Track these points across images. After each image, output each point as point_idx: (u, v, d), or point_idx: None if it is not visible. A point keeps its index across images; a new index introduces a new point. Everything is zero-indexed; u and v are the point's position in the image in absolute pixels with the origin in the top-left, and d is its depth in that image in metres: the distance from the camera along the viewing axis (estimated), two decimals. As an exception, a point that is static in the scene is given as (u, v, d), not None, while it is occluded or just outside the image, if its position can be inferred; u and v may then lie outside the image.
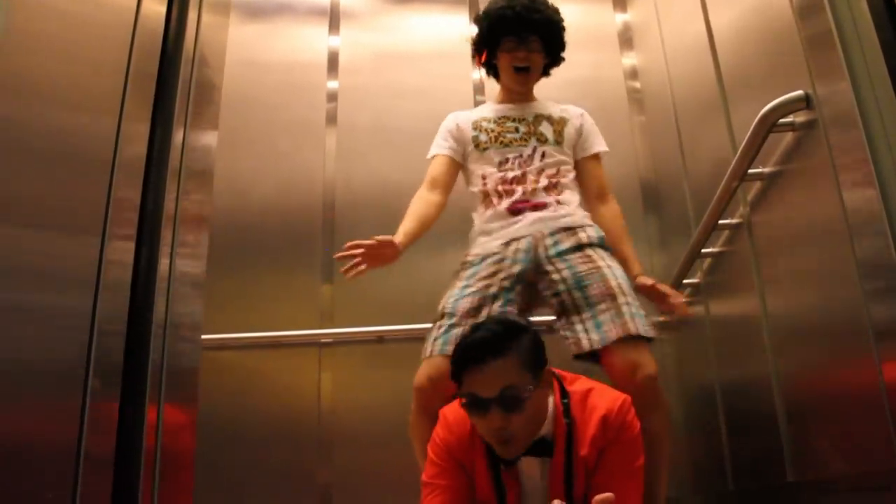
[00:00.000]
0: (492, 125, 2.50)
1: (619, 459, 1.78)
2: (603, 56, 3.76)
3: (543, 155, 2.42)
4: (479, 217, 2.44)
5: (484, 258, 2.31)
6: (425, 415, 2.11)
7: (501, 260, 2.27)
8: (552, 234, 2.30)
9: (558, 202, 2.35)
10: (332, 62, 3.77)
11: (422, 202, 2.43)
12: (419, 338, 2.34)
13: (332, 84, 3.72)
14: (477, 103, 3.46)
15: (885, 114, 1.38)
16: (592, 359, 2.15)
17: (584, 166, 2.52)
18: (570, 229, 2.31)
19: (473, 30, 2.61)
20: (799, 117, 1.69)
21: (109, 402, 1.22)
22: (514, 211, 2.35)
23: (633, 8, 3.77)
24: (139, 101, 1.44)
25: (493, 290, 2.22)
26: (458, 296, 2.23)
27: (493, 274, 2.25)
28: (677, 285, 2.69)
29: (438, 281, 2.44)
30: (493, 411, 1.66)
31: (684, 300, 2.28)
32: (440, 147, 2.55)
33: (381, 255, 2.24)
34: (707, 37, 2.39)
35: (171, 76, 1.62)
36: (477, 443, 1.83)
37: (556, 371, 1.92)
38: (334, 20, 3.86)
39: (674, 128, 2.92)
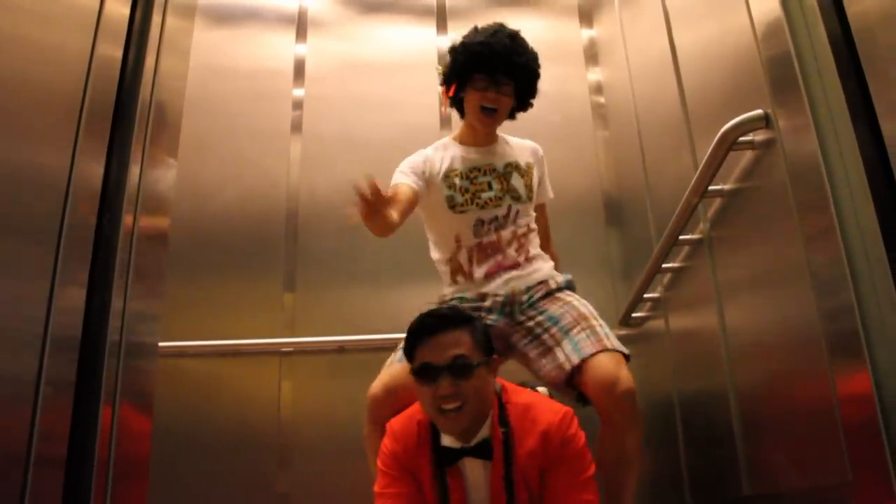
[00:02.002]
0: (465, 182, 2.40)
1: (567, 475, 1.80)
2: (568, 71, 3.80)
3: (517, 214, 2.40)
4: (448, 275, 2.42)
5: (461, 301, 2.32)
6: (377, 426, 2.10)
7: (478, 309, 2.27)
8: (527, 290, 2.32)
9: (527, 260, 2.37)
10: (299, 70, 3.76)
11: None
12: (380, 348, 2.35)
13: (298, 92, 3.71)
14: (442, 116, 3.46)
15: (840, 134, 1.41)
16: (577, 396, 2.14)
17: (538, 211, 2.57)
18: (542, 282, 2.34)
19: (440, 43, 2.56)
20: (758, 136, 1.71)
21: (62, 408, 1.20)
22: (488, 276, 2.34)
23: (598, 24, 3.81)
24: (98, 108, 1.42)
25: None
26: None
27: None
28: (638, 299, 2.72)
29: (400, 292, 2.44)
30: (443, 378, 1.75)
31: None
32: (407, 177, 2.37)
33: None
34: (671, 55, 2.42)
35: (133, 79, 1.60)
36: (423, 449, 1.85)
37: (501, 382, 1.95)
38: (301, 28, 3.85)
39: (637, 143, 2.95)
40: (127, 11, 1.59)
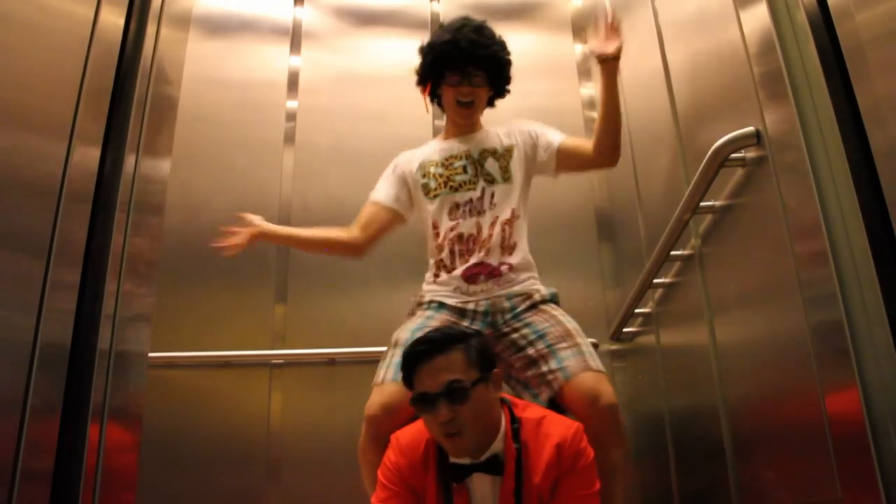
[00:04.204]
0: (439, 169, 2.46)
1: (576, 487, 1.79)
2: (561, 85, 3.80)
3: (493, 196, 2.38)
4: (432, 270, 2.41)
5: (441, 306, 2.30)
6: (376, 443, 2.05)
7: (461, 318, 2.26)
8: (509, 298, 2.29)
9: (511, 267, 2.32)
10: (293, 82, 3.76)
11: (337, 228, 2.49)
12: (370, 361, 2.33)
13: (292, 104, 3.71)
14: (435, 128, 3.47)
15: (830, 152, 1.42)
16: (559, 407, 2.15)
17: (566, 155, 2.47)
18: (526, 294, 2.31)
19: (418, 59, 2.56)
20: (749, 153, 1.72)
21: (49, 421, 1.19)
22: (470, 277, 2.31)
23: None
24: (92, 117, 1.42)
25: None
26: (416, 330, 2.19)
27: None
28: (629, 314, 2.73)
29: (391, 305, 2.43)
30: (440, 405, 1.72)
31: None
32: (379, 192, 2.53)
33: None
34: (663, 70, 2.43)
35: (127, 90, 1.60)
36: (430, 465, 1.83)
37: (508, 397, 1.94)
38: (296, 40, 3.86)
39: (629, 159, 2.96)
40: (121, 21, 1.60)
